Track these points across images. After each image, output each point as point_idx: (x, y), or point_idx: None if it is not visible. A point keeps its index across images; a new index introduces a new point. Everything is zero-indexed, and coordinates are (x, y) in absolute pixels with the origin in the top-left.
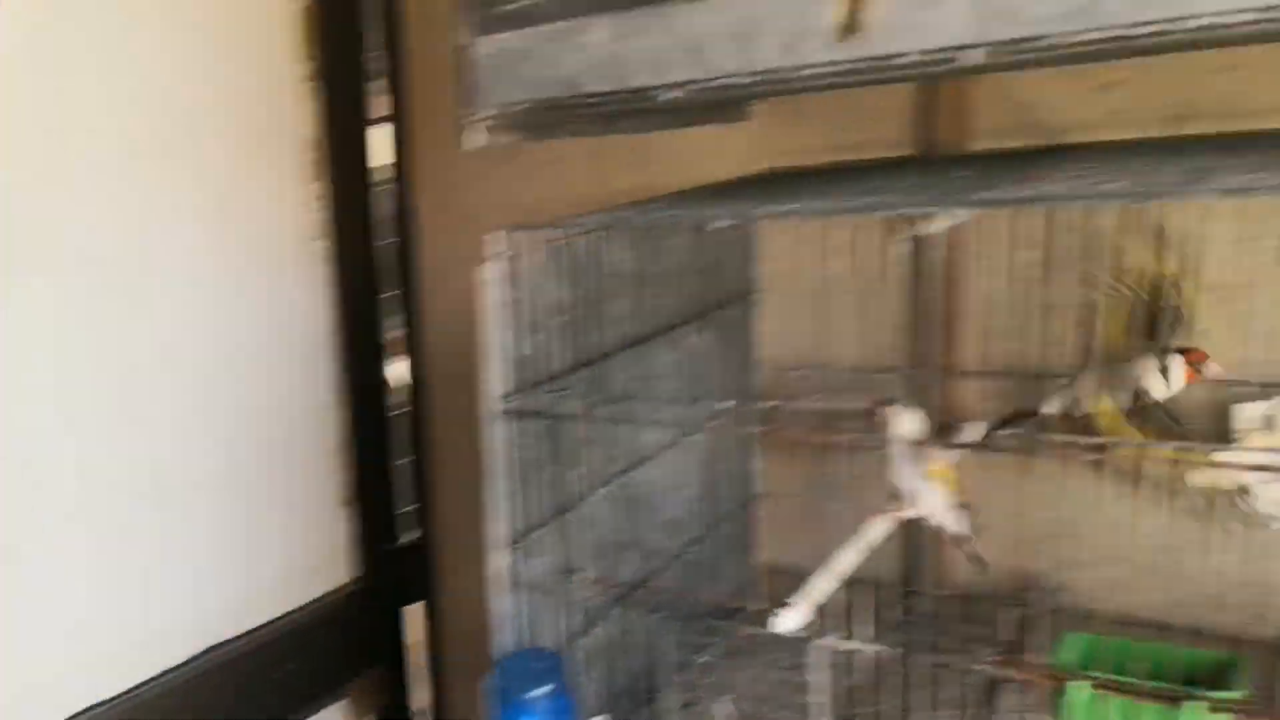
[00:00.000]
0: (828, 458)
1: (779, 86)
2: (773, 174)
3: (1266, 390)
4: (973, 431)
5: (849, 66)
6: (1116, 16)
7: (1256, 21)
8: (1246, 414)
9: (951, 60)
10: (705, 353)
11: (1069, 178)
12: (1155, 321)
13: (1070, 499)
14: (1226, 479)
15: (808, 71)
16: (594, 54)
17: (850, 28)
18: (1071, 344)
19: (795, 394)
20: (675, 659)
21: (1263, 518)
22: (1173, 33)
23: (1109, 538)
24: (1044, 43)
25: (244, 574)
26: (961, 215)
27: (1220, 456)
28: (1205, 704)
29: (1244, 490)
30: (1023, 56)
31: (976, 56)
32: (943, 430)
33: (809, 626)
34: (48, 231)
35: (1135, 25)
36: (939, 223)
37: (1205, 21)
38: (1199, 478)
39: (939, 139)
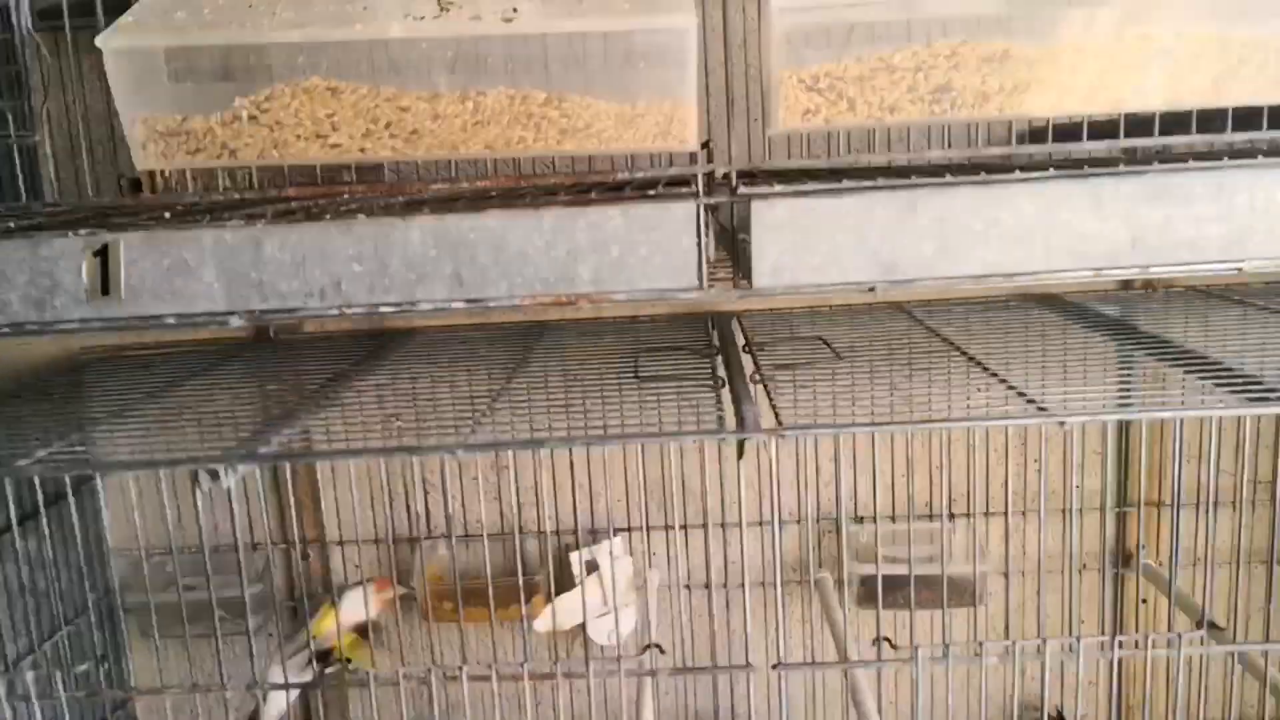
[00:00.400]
0: (199, 646)
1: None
2: (89, 358)
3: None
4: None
5: (107, 324)
6: (358, 298)
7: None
8: (577, 559)
9: (216, 321)
10: (36, 557)
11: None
12: None
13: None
14: (569, 620)
15: (62, 326)
16: None
17: (102, 290)
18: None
19: (154, 584)
20: None
21: (601, 648)
22: (410, 312)
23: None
24: (297, 314)
25: None
26: (251, 466)
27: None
28: None
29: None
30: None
31: (237, 320)
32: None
33: None
34: None
35: (377, 305)
36: (232, 475)
37: (428, 307)
38: (542, 623)
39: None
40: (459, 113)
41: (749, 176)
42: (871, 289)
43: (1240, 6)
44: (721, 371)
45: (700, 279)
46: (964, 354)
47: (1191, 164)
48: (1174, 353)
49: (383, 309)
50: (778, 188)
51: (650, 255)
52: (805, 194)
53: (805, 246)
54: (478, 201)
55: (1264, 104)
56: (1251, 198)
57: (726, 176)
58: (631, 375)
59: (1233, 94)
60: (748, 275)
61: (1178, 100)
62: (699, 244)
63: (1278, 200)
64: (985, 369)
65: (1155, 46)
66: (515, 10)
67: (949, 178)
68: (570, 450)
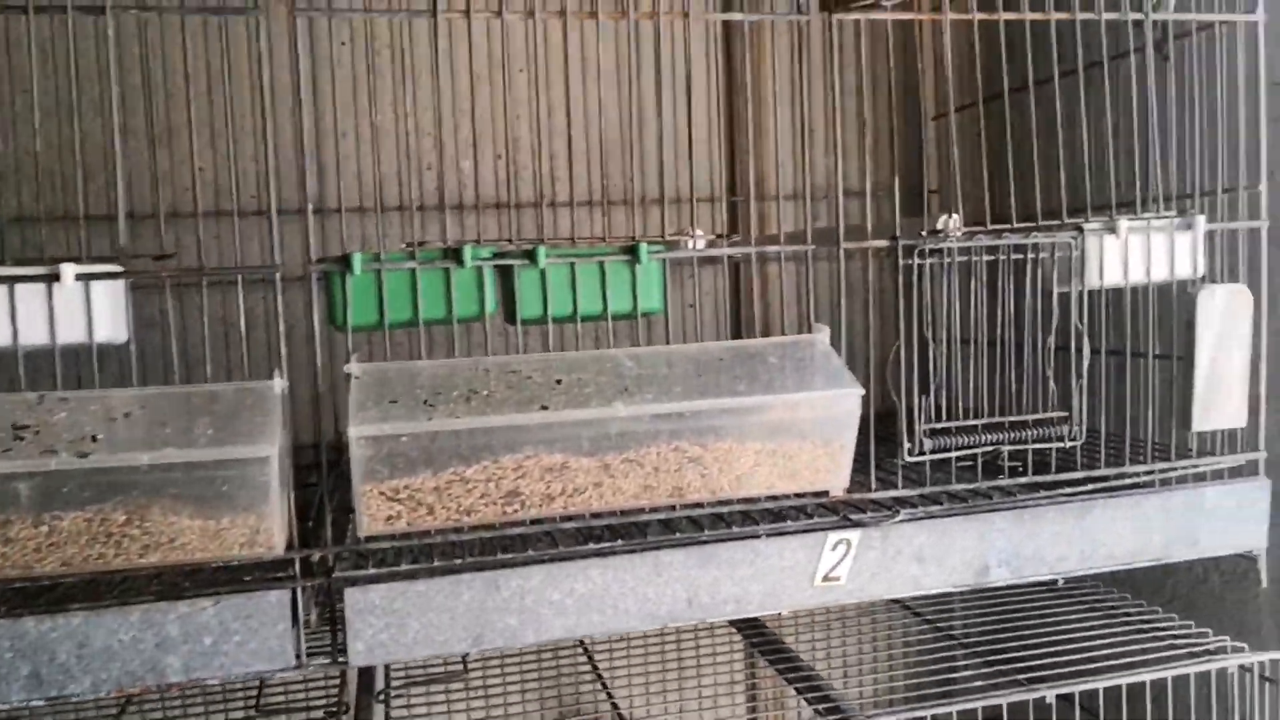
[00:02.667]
0: None
1: None
2: None
3: None
4: None
5: None
6: None
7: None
8: None
9: None
10: None
11: None
12: None
13: None
14: None
15: None
16: None
17: None
18: None
19: None
20: None
21: None
22: None
23: None
24: None
25: None
26: None
27: None
28: None
29: None
30: None
31: None
32: None
33: None
34: None
35: None
36: None
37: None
38: None
39: None
40: (33, 536)
41: (346, 555)
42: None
43: (753, 426)
44: None
45: (299, 658)
46: None
47: (734, 530)
48: None
49: None
50: (371, 571)
51: (245, 640)
52: (399, 577)
53: (399, 625)
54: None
55: (778, 492)
56: (780, 560)
57: (324, 560)
58: None
59: (754, 485)
60: (344, 650)
61: (711, 493)
62: (295, 626)
63: (800, 560)
64: None
65: (686, 456)
66: (95, 440)
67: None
68: None
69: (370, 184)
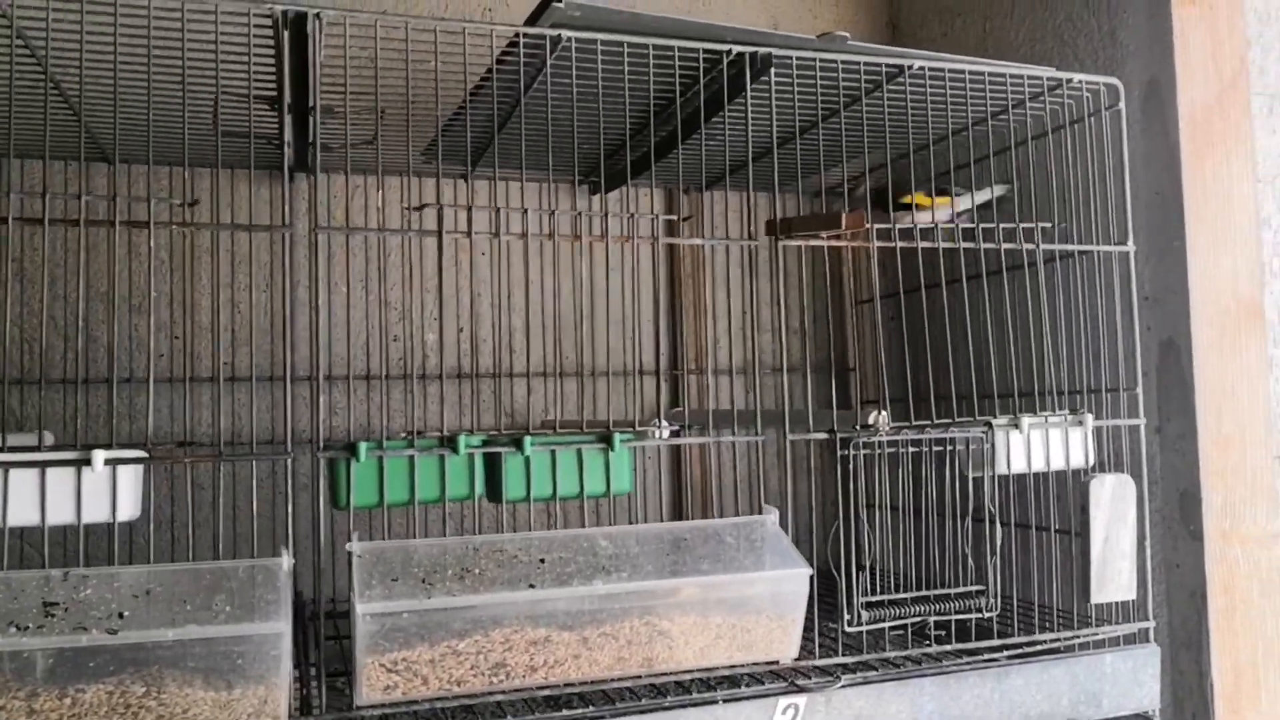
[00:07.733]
0: None
1: None
2: None
3: None
4: None
5: None
6: None
7: None
8: None
9: None
10: None
11: None
12: None
13: None
14: None
15: None
16: None
17: None
18: None
19: None
20: None
21: None
22: None
23: None
24: None
25: None
26: None
27: None
28: None
29: None
30: None
31: None
32: None
33: None
34: None
35: None
36: None
37: None
38: None
39: None
40: (56, 708)
41: None
42: None
43: (715, 601)
44: None
45: None
46: None
47: (694, 696)
48: None
49: None
50: None
51: None
52: None
53: None
54: None
55: (736, 662)
56: None
57: None
58: None
59: (715, 656)
60: None
61: (677, 664)
62: None
63: None
64: None
65: (656, 629)
66: (122, 617)
67: None
68: None
69: (342, 355)
